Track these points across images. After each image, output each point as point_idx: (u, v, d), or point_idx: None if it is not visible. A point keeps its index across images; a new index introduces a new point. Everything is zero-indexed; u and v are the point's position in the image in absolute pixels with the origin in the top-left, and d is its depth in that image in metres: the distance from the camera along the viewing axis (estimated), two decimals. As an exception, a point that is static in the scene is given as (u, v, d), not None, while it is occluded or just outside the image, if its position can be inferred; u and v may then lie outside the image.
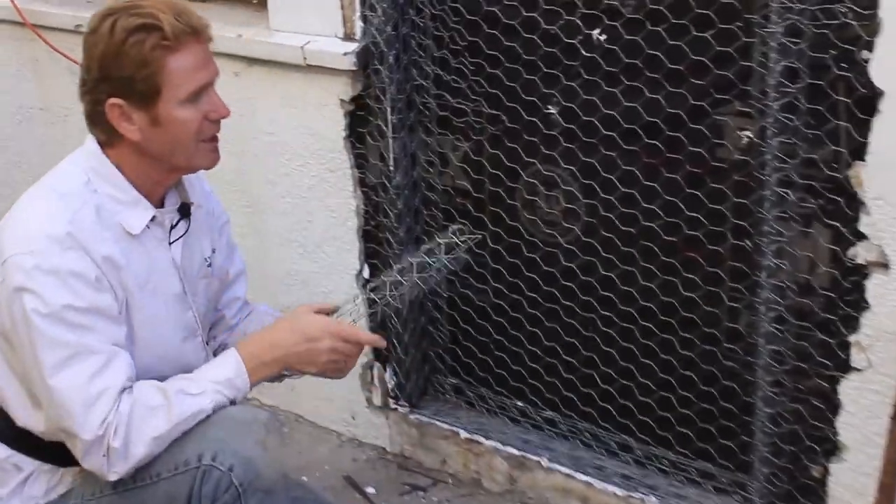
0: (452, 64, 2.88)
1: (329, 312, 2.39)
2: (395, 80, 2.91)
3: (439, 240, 2.63)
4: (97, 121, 2.17)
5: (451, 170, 3.01)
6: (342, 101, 3.04)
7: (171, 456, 2.14)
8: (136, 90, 2.09)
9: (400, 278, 2.48)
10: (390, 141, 2.96)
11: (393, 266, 2.64)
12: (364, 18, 2.92)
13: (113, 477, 2.11)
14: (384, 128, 2.96)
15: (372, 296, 2.49)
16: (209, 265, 2.40)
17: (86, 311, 2.07)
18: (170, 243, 2.27)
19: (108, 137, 2.17)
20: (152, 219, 2.21)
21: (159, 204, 2.26)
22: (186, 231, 2.30)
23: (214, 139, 2.20)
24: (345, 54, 2.95)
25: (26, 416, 2.22)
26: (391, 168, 2.99)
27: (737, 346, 2.68)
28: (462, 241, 2.64)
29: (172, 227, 2.28)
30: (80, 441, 2.09)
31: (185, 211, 2.30)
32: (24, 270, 2.05)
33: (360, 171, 3.10)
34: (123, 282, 2.15)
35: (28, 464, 2.26)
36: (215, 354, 2.41)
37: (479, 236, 2.83)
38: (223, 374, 2.22)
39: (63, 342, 2.06)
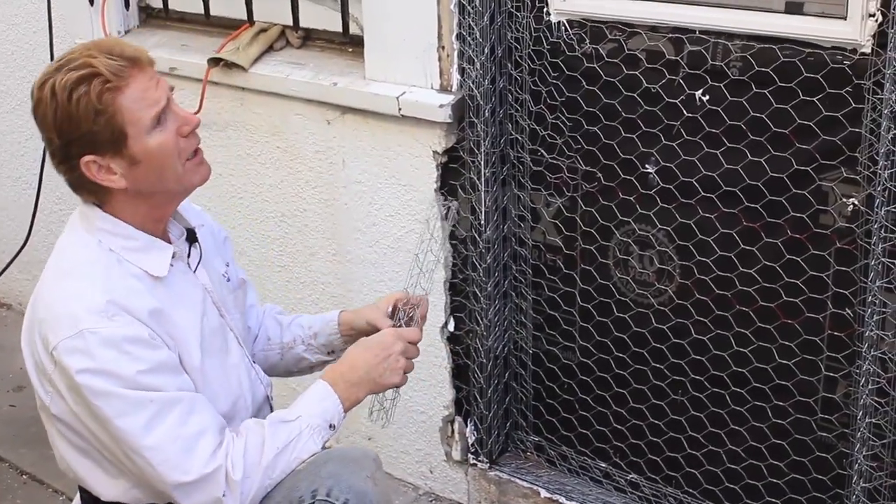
0: (549, 119, 2.87)
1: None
2: (490, 133, 2.90)
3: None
4: (82, 185, 2.13)
5: (542, 225, 2.99)
6: (435, 152, 3.03)
7: (285, 493, 2.12)
8: (102, 140, 2.05)
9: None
10: (482, 194, 2.94)
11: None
12: (461, 71, 2.92)
13: None
14: (476, 181, 2.94)
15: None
16: (228, 279, 2.40)
17: (150, 371, 2.06)
18: (194, 272, 2.27)
19: (97, 197, 2.14)
20: (172, 255, 2.20)
21: (167, 240, 2.23)
22: (201, 255, 2.29)
23: (197, 153, 2.17)
24: (440, 106, 2.95)
25: (108, 489, 2.19)
26: (482, 221, 2.97)
27: (832, 416, 2.62)
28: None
29: (188, 256, 2.27)
30: (184, 486, 2.06)
31: (192, 237, 2.28)
32: (80, 351, 2.02)
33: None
34: (170, 331, 2.14)
35: None
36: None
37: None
38: (315, 401, 2.21)
39: (143, 404, 2.04)
